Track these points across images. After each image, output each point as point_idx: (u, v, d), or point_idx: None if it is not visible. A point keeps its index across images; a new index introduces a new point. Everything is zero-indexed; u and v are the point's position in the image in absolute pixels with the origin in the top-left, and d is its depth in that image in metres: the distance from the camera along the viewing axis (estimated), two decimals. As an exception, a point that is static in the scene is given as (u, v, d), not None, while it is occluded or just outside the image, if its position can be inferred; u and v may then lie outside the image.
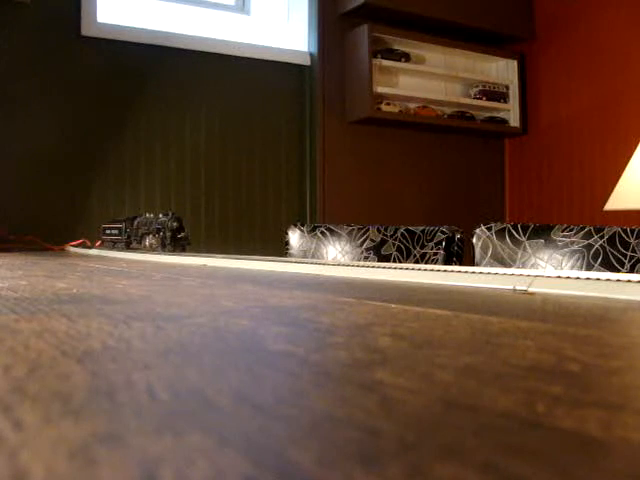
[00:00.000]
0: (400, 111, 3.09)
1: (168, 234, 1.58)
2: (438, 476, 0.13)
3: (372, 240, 1.76)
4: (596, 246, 1.35)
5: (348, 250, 1.78)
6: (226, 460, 0.14)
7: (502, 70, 3.44)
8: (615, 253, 1.32)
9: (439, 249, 1.59)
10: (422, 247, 1.66)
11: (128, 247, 1.83)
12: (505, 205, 3.56)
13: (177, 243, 1.58)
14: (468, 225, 1.69)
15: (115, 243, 1.94)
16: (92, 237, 2.25)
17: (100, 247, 2.01)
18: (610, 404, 0.20)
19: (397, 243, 1.72)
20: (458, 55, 3.30)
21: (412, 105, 3.17)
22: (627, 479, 0.13)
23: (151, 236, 1.68)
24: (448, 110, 3.27)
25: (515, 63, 3.41)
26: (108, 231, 1.99)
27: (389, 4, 2.94)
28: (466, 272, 0.71)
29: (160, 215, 1.67)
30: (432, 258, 1.61)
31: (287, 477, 0.13)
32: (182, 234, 1.59)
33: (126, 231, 1.83)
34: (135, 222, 1.79)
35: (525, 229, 1.47)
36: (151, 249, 1.68)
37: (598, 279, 0.57)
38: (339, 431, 0.17)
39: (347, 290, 0.66)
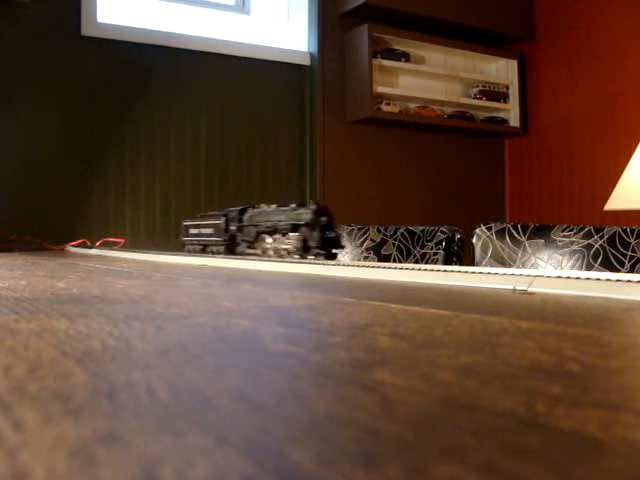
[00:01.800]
0: (400, 111, 3.09)
1: (315, 234, 1.13)
2: (438, 476, 0.13)
3: (372, 240, 1.76)
4: (596, 246, 1.35)
5: (348, 250, 1.78)
6: (226, 460, 0.14)
7: (502, 70, 3.44)
8: (615, 253, 1.32)
9: (439, 249, 1.59)
10: (422, 247, 1.66)
11: (232, 252, 1.36)
12: (505, 205, 3.56)
13: (327, 246, 1.13)
14: (468, 225, 1.69)
15: (207, 246, 1.45)
16: (92, 237, 2.25)
17: (180, 251, 1.56)
18: (610, 404, 0.20)
19: (397, 243, 1.72)
20: (458, 55, 3.30)
21: (412, 105, 3.17)
22: (627, 479, 0.13)
23: (279, 236, 1.21)
24: (448, 110, 3.27)
25: (515, 63, 3.41)
26: (195, 230, 1.51)
27: (389, 4, 2.94)
28: (466, 272, 0.71)
29: (292, 205, 1.22)
30: (432, 258, 1.61)
31: (287, 477, 0.13)
32: (332, 233, 1.14)
33: (227, 230, 1.38)
34: (246, 216, 1.34)
35: (525, 229, 1.47)
36: (276, 254, 1.21)
37: (598, 279, 0.57)
38: (339, 431, 0.17)
39: (347, 290, 0.66)
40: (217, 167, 2.81)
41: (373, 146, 3.12)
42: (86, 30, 2.51)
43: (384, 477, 0.13)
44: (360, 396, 0.20)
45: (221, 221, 1.40)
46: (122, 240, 2.23)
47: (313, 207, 1.17)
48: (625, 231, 1.32)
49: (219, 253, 1.37)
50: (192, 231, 1.52)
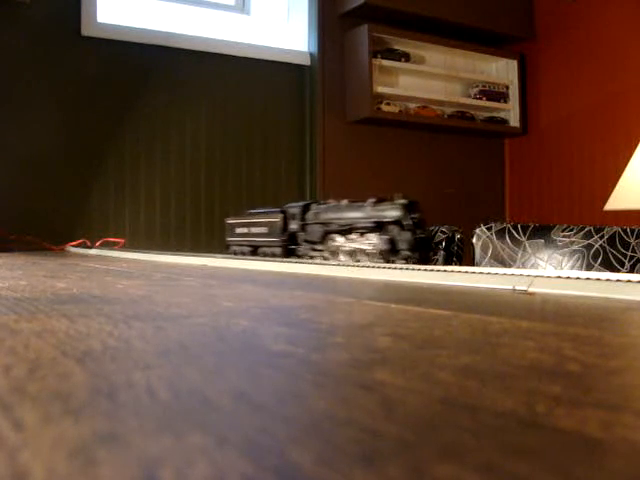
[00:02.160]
0: (400, 111, 3.09)
1: (406, 234, 0.96)
2: (438, 476, 0.13)
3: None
4: (596, 246, 1.35)
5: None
6: (226, 460, 0.14)
7: (502, 70, 3.44)
8: (615, 253, 1.32)
9: (439, 249, 1.59)
10: (422, 247, 1.65)
11: (289, 254, 1.19)
12: (505, 205, 3.56)
13: (419, 249, 0.96)
14: (468, 225, 1.69)
15: (258, 247, 1.26)
16: (92, 237, 2.25)
17: (226, 254, 1.33)
18: (610, 404, 0.20)
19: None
20: (458, 55, 3.30)
21: (412, 105, 3.17)
22: (627, 479, 0.13)
23: (355, 236, 1.05)
24: (448, 110, 3.27)
25: (515, 63, 3.41)
26: (243, 229, 1.32)
27: (389, 4, 2.94)
28: (466, 272, 0.71)
29: (370, 200, 1.04)
30: (432, 258, 1.61)
31: (287, 477, 0.13)
32: (423, 233, 0.97)
33: (286, 229, 1.21)
34: (310, 213, 1.17)
35: (525, 229, 1.47)
36: (351, 257, 1.05)
37: (598, 279, 0.57)
38: (339, 431, 0.17)
39: (347, 290, 0.66)
40: (217, 167, 2.80)
41: (373, 146, 3.12)
42: (86, 30, 2.51)
43: (384, 477, 0.13)
44: (360, 396, 0.20)
45: (278, 219, 1.22)
46: (122, 240, 2.23)
47: (402, 202, 0.98)
48: (625, 231, 1.32)
49: (274, 255, 1.19)
50: (239, 230, 1.33)
